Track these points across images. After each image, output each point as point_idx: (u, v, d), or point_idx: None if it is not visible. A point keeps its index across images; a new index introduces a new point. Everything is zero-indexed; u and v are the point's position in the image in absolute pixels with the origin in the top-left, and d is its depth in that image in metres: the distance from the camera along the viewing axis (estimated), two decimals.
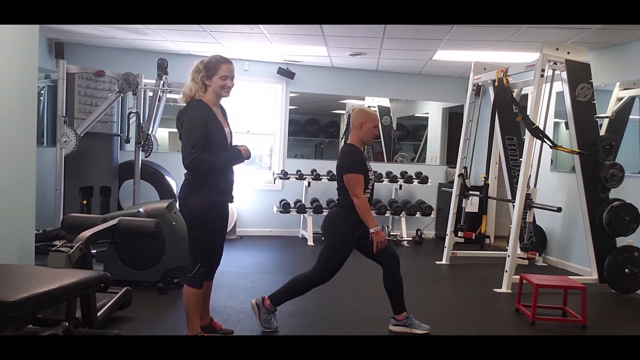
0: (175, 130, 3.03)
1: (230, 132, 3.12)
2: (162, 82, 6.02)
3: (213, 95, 3.00)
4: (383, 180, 7.29)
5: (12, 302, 1.93)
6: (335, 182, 3.55)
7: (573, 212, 5.62)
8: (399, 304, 3.56)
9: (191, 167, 2.87)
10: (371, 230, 3.32)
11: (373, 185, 3.50)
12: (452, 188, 6.21)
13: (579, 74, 4.87)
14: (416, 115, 8.62)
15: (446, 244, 6.11)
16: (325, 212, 6.86)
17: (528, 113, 4.91)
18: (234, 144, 3.13)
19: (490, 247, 7.08)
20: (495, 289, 4.87)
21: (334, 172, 3.54)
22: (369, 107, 7.90)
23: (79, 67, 5.62)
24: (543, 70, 4.77)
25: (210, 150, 2.90)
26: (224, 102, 3.14)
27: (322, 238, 3.67)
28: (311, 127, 8.49)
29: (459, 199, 6.05)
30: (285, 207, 7.00)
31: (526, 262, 5.57)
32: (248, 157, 3.04)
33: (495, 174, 7.31)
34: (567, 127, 5.21)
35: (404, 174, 7.43)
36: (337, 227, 3.43)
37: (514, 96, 5.56)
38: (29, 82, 3.38)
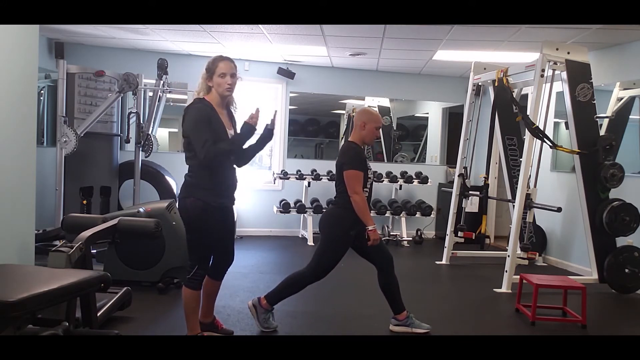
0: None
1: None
2: (162, 82, 6.01)
3: (217, 95, 3.01)
4: (383, 180, 7.29)
5: (12, 302, 1.93)
6: (334, 182, 3.55)
7: (573, 212, 5.62)
8: (397, 304, 3.56)
9: (209, 158, 2.85)
10: (369, 228, 3.33)
11: (372, 185, 3.51)
12: (452, 188, 6.22)
13: (579, 74, 4.87)
14: (416, 115, 8.62)
15: (446, 244, 6.11)
16: None
17: (528, 113, 4.91)
18: None
19: (490, 247, 7.08)
20: (495, 289, 4.87)
21: (334, 171, 3.54)
22: (369, 106, 7.91)
23: (79, 67, 5.62)
24: (543, 70, 4.77)
25: None
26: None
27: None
28: (311, 127, 8.48)
29: (459, 199, 6.05)
30: (285, 207, 7.00)
31: (526, 262, 5.58)
32: (255, 125, 3.12)
33: (495, 174, 7.30)
34: (567, 127, 5.20)
35: (404, 174, 7.43)
36: (334, 225, 3.44)
37: (514, 96, 5.56)
38: (29, 82, 3.38)
